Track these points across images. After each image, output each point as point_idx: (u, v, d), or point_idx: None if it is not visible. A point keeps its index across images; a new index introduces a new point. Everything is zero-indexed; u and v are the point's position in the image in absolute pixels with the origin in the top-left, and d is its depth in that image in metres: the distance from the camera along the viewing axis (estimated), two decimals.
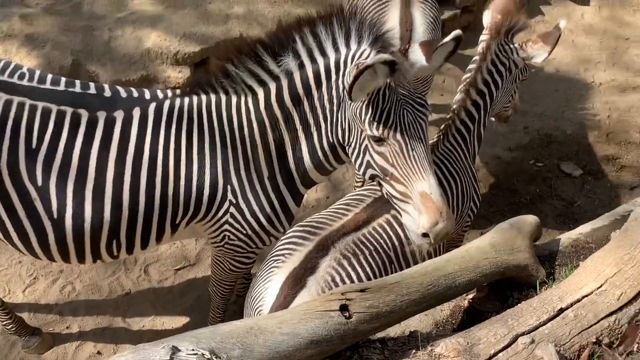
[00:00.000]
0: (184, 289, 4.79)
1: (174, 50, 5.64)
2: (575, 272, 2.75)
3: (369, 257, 3.07)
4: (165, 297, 4.74)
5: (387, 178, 2.95)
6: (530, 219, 3.20)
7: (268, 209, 3.35)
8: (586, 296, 2.57)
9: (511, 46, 3.62)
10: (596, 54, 7.25)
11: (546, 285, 3.02)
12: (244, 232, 3.39)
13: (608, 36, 7.48)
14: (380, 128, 2.87)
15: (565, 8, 7.72)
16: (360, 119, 2.93)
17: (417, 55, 3.06)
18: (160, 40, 5.71)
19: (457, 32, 2.97)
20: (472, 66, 3.66)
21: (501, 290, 3.09)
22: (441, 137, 3.64)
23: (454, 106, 3.67)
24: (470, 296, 3.14)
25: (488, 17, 3.74)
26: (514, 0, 3.78)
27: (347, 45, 3.02)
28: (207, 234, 3.48)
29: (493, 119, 4.05)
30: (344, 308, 2.33)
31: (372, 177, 3.05)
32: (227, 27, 5.97)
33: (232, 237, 3.43)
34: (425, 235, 2.87)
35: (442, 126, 3.68)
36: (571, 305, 2.55)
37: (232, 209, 3.31)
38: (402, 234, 3.16)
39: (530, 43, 3.62)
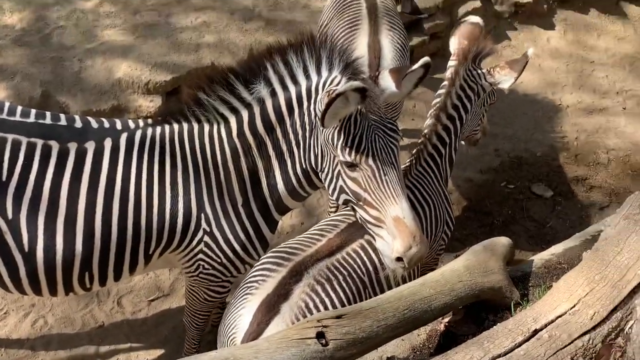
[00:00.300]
0: (158, 320, 4.73)
1: (145, 80, 5.63)
2: (549, 293, 2.77)
3: (342, 282, 3.06)
4: (139, 328, 4.67)
5: (361, 203, 2.96)
6: (503, 241, 3.23)
7: (242, 237, 3.34)
8: (560, 316, 2.59)
9: (479, 71, 3.68)
10: (563, 77, 7.39)
11: (520, 307, 3.04)
12: (219, 260, 3.37)
13: (574, 60, 7.64)
14: (353, 153, 2.89)
15: (531, 33, 7.87)
16: (333, 144, 2.95)
17: (387, 81, 3.10)
18: (131, 70, 5.70)
19: (426, 59, 3.02)
20: (441, 91, 3.72)
21: (477, 312, 3.10)
22: (413, 161, 3.67)
23: (425, 131, 3.71)
24: (446, 320, 3.14)
25: (455, 43, 3.80)
26: (479, 26, 3.86)
27: (318, 73, 3.05)
28: (181, 263, 3.46)
29: (463, 142, 4.10)
30: (320, 335, 2.33)
31: (346, 202, 3.07)
32: (199, 56, 5.98)
33: (206, 266, 3.40)
34: (399, 259, 2.88)
35: (414, 151, 3.71)
36: (545, 326, 2.57)
37: (206, 238, 3.29)
38: (376, 259, 3.17)
39: (498, 69, 3.69)
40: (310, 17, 6.65)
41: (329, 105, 2.74)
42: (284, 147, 3.20)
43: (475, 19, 3.93)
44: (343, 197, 3.05)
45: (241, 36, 6.33)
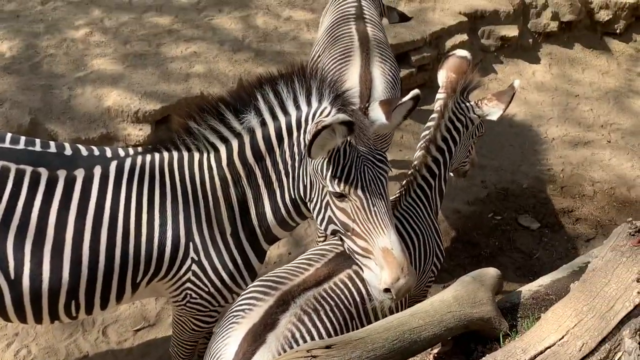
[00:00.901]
0: (144, 350, 4.67)
1: (135, 109, 5.64)
2: (537, 324, 2.78)
3: (329, 312, 3.04)
4: (124, 359, 4.61)
5: (349, 233, 2.97)
6: (492, 272, 3.24)
7: (231, 266, 3.33)
8: (549, 348, 2.59)
9: (467, 104, 3.72)
10: (548, 110, 7.48)
11: (509, 338, 3.04)
12: (206, 290, 3.36)
13: (559, 93, 7.75)
14: (342, 184, 2.90)
15: (517, 66, 7.98)
16: (322, 175, 2.96)
17: (377, 113, 3.13)
18: (120, 98, 5.72)
19: (416, 91, 3.06)
20: (430, 124, 3.74)
21: (465, 343, 3.09)
22: (403, 193, 3.68)
23: (415, 162, 3.73)
24: (435, 351, 3.13)
25: (443, 76, 3.85)
26: (467, 60, 3.91)
27: (309, 103, 3.07)
28: (169, 292, 3.43)
29: (452, 174, 4.12)
30: None
31: (334, 233, 3.07)
32: (188, 86, 6.02)
33: (194, 295, 3.38)
34: (387, 290, 2.87)
35: (404, 182, 3.73)
36: (534, 357, 2.57)
37: (194, 267, 3.28)
38: (363, 290, 3.15)
39: (485, 101, 3.72)
40: (299, 49, 6.72)
41: (314, 137, 2.76)
42: (273, 177, 3.21)
43: (463, 52, 3.98)
44: (331, 227, 3.05)
45: (230, 66, 6.38)
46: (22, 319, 3.19)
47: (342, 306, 3.09)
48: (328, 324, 3.00)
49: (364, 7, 5.17)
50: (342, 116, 2.75)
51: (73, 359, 4.56)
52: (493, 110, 3.69)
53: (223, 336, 2.93)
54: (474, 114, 3.72)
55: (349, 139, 2.91)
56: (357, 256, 2.99)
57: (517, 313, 3.26)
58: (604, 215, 6.23)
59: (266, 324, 2.88)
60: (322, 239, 5.26)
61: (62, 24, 6.70)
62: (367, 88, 4.39)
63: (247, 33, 6.92)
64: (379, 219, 2.91)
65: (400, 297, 2.91)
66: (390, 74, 4.62)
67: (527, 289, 3.46)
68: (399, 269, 2.84)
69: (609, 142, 7.15)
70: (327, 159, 2.93)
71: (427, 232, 3.64)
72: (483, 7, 7.84)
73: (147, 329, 4.80)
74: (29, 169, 3.07)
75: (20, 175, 3.05)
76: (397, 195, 3.68)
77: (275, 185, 3.22)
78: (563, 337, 2.61)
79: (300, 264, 3.27)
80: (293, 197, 3.21)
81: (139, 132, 5.63)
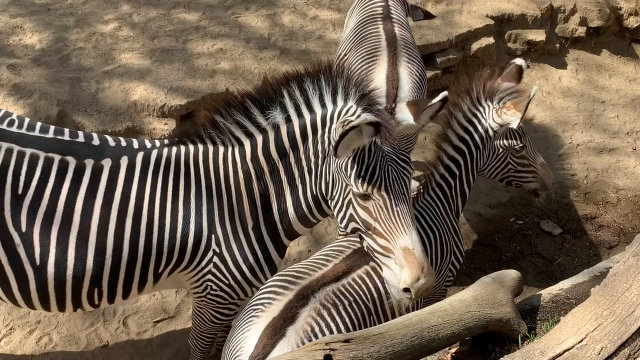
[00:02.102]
0: (163, 341, 4.72)
1: (161, 103, 5.70)
2: (556, 327, 2.77)
3: (348, 308, 3.06)
4: (144, 350, 4.66)
5: (370, 232, 2.98)
6: (512, 274, 3.23)
7: (251, 260, 3.36)
8: (567, 350, 2.58)
9: (490, 109, 3.69)
10: (574, 115, 7.43)
11: (528, 340, 3.03)
12: (227, 282, 3.39)
13: (585, 99, 7.69)
14: (365, 183, 2.92)
15: (543, 71, 7.94)
16: (346, 173, 2.97)
17: (404, 113, 3.15)
18: (147, 93, 5.78)
19: (444, 93, 3.07)
20: None
21: (484, 344, 3.09)
22: (421, 190, 3.70)
23: (431, 160, 3.75)
24: (453, 350, 3.13)
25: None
26: (518, 67, 3.88)
27: (334, 102, 3.09)
28: (190, 283, 3.47)
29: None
30: (328, 358, 2.33)
31: (354, 231, 3.09)
32: (214, 82, 6.06)
33: (214, 287, 3.42)
34: (406, 290, 2.89)
35: (423, 180, 3.75)
36: (553, 359, 2.56)
37: (215, 259, 3.32)
38: (381, 287, 3.17)
39: (504, 109, 3.69)
40: (325, 48, 6.75)
41: (342, 136, 2.78)
42: (296, 173, 3.24)
43: (519, 61, 3.93)
44: (352, 225, 3.07)
45: (256, 64, 6.41)
46: (46, 306, 3.25)
47: (360, 302, 3.11)
48: (347, 319, 3.02)
49: (391, 7, 5.18)
50: (370, 117, 2.77)
51: (93, 347, 4.62)
52: (511, 119, 3.67)
53: (243, 329, 2.95)
54: (495, 122, 3.69)
55: (374, 138, 2.93)
56: (376, 255, 3.00)
57: (537, 316, 3.24)
58: (627, 222, 6.18)
59: (286, 318, 2.91)
60: (342, 237, 5.28)
61: (92, 18, 6.80)
62: (393, 88, 4.40)
63: (273, 31, 6.96)
64: (401, 218, 2.93)
65: (419, 297, 2.93)
66: (417, 75, 4.63)
67: (548, 293, 3.44)
68: (419, 268, 2.86)
69: (635, 149, 7.08)
70: (351, 158, 2.95)
71: (445, 231, 3.65)
72: (510, 11, 7.81)
73: (166, 320, 4.85)
74: (57, 157, 3.12)
75: (48, 163, 3.10)
76: (414, 193, 3.70)
77: (298, 181, 3.25)
78: (582, 340, 2.60)
79: (318, 260, 3.29)
80: (315, 193, 3.23)
81: (164, 127, 5.69)
